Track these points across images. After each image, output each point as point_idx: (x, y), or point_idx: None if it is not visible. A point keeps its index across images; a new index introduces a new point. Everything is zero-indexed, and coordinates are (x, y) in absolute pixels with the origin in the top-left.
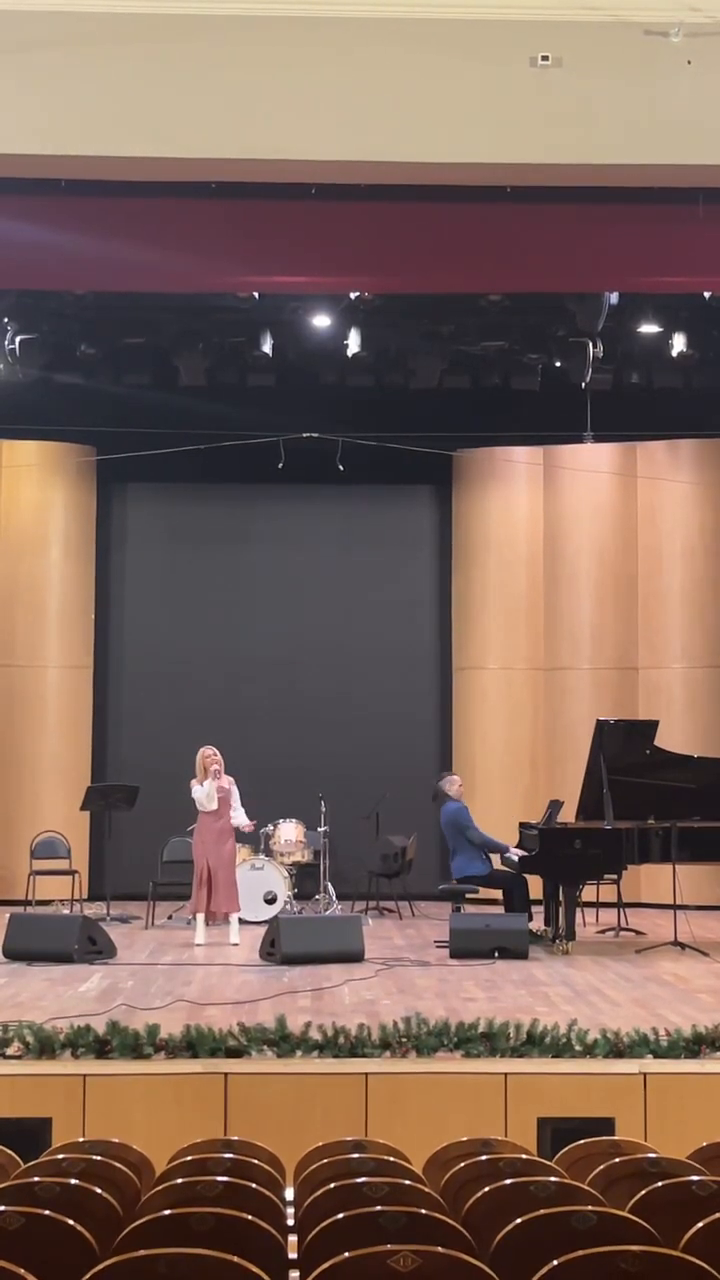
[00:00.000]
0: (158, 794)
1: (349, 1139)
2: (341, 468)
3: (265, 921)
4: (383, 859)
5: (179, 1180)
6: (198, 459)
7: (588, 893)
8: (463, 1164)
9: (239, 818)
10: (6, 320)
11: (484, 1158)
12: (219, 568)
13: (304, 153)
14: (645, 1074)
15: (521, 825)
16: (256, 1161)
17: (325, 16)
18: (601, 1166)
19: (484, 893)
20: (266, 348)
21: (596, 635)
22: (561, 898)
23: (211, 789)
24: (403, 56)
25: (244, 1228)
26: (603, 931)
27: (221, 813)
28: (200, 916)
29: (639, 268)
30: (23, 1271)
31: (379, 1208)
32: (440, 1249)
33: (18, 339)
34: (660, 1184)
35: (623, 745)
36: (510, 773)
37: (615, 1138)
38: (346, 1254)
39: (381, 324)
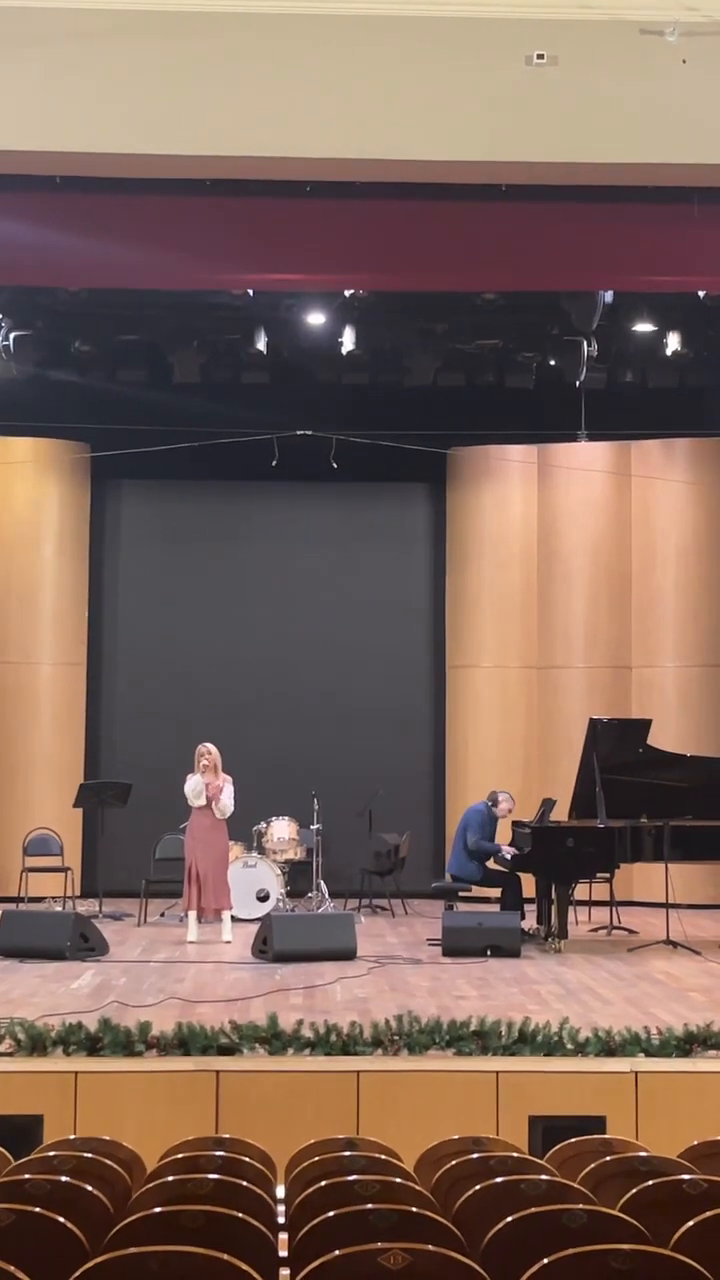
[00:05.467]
0: (150, 791)
1: (340, 1137)
2: (336, 465)
3: (258, 919)
4: (376, 856)
5: (170, 1177)
6: (192, 456)
7: (580, 891)
8: (454, 1162)
9: (222, 804)
10: (0, 317)
11: (475, 1156)
12: (213, 565)
13: (299, 150)
14: (636, 1072)
15: (515, 824)
16: (248, 1159)
17: (321, 14)
18: (592, 1165)
19: (477, 890)
20: (261, 345)
21: (590, 634)
22: (554, 896)
23: (199, 784)
24: (398, 54)
25: (235, 1225)
26: (595, 930)
27: (211, 809)
28: (192, 914)
29: (633, 267)
30: (13, 1269)
31: (370, 1205)
32: (431, 1247)
33: (12, 335)
34: (651, 1182)
35: (616, 744)
36: (503, 771)
37: (606, 1136)
38: (337, 1252)
39: (376, 322)
